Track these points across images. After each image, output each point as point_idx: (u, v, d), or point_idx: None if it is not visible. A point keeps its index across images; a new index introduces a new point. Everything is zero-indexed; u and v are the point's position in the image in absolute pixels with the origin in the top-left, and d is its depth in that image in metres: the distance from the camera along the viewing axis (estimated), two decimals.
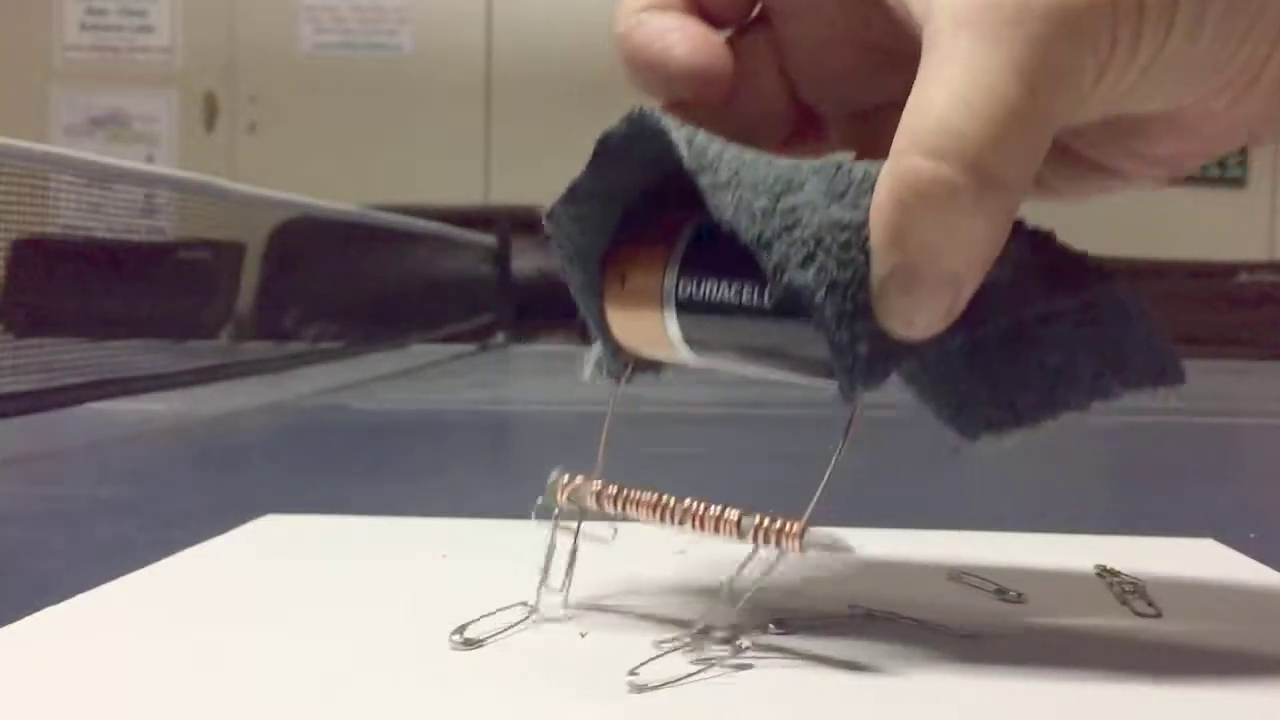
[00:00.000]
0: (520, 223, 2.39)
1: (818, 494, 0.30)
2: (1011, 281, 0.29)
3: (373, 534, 0.48)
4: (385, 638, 0.33)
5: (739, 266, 0.30)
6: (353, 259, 1.55)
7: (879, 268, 0.27)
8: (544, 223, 0.34)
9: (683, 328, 0.32)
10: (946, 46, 0.27)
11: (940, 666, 0.31)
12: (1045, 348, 0.31)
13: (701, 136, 0.30)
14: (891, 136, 0.27)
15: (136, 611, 0.36)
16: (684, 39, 0.33)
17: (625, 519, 0.35)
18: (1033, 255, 0.30)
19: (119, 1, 3.51)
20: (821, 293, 0.28)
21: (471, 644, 0.33)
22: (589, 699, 0.29)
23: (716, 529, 0.32)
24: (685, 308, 0.32)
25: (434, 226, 1.76)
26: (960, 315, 0.28)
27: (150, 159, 3.35)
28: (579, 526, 0.36)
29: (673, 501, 0.33)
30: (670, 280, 0.32)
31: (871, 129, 0.36)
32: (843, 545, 0.32)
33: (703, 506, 0.33)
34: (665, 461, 0.81)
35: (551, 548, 0.36)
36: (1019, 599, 0.38)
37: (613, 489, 0.35)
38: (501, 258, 1.96)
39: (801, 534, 0.31)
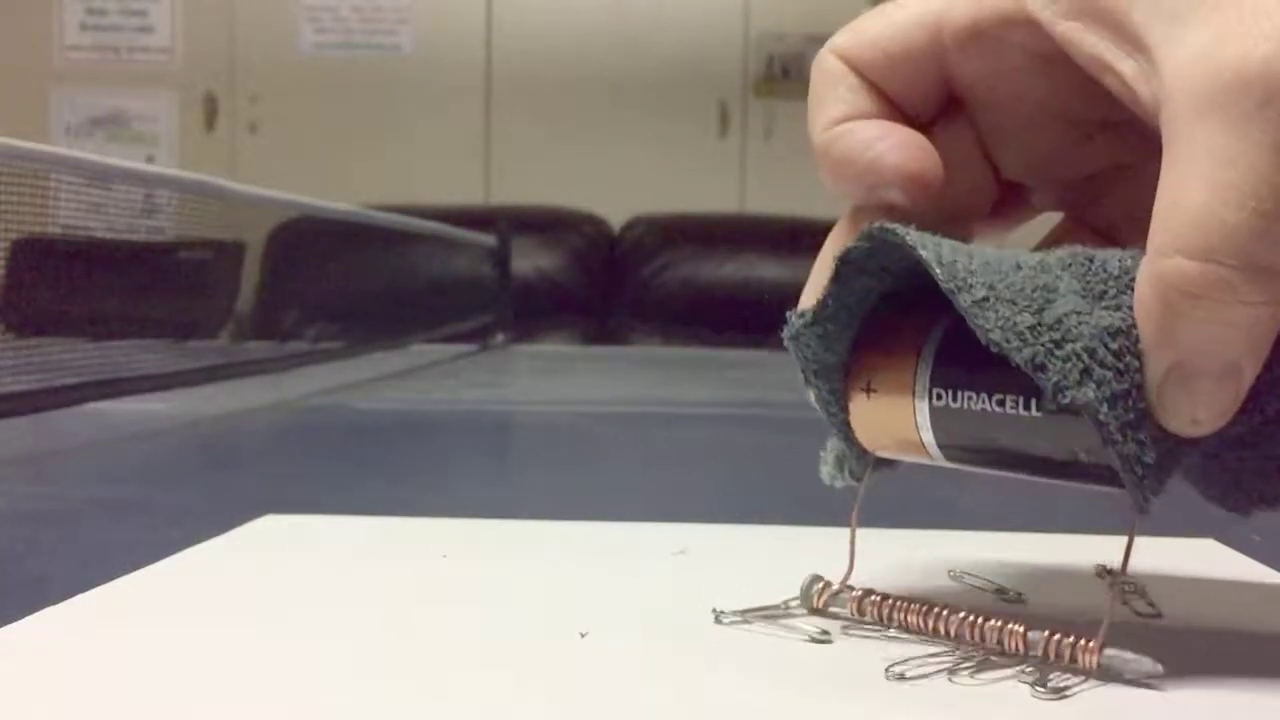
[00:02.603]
0: (520, 223, 2.39)
1: (1107, 621, 0.29)
2: None
3: (373, 534, 0.48)
4: (385, 638, 0.33)
5: (999, 380, 0.29)
6: (353, 259, 1.55)
7: (1154, 370, 0.27)
8: (786, 343, 0.34)
9: (937, 435, 0.32)
10: (1192, 137, 0.26)
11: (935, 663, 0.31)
12: None
13: (947, 250, 0.30)
14: (1104, 203, 0.27)
15: (136, 611, 0.36)
16: (893, 147, 0.32)
17: (887, 627, 0.33)
18: None
19: (119, 2, 3.50)
20: (1105, 408, 0.27)
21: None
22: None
23: (1000, 641, 0.31)
24: (940, 418, 0.31)
25: (434, 226, 1.76)
26: (1244, 403, 0.28)
27: (150, 159, 3.35)
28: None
29: (946, 612, 0.32)
30: (922, 389, 0.31)
31: (1081, 196, 0.35)
32: (1146, 667, 0.29)
33: (981, 618, 0.31)
34: (665, 461, 0.81)
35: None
36: (1019, 599, 0.37)
37: (876, 596, 0.34)
38: (501, 258, 1.96)
39: (1100, 650, 0.29)
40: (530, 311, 2.47)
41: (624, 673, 0.30)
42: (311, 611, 0.36)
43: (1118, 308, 0.28)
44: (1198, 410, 0.27)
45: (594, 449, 0.88)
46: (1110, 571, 0.41)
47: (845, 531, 0.37)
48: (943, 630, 0.32)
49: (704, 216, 3.24)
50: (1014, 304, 0.28)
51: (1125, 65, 0.29)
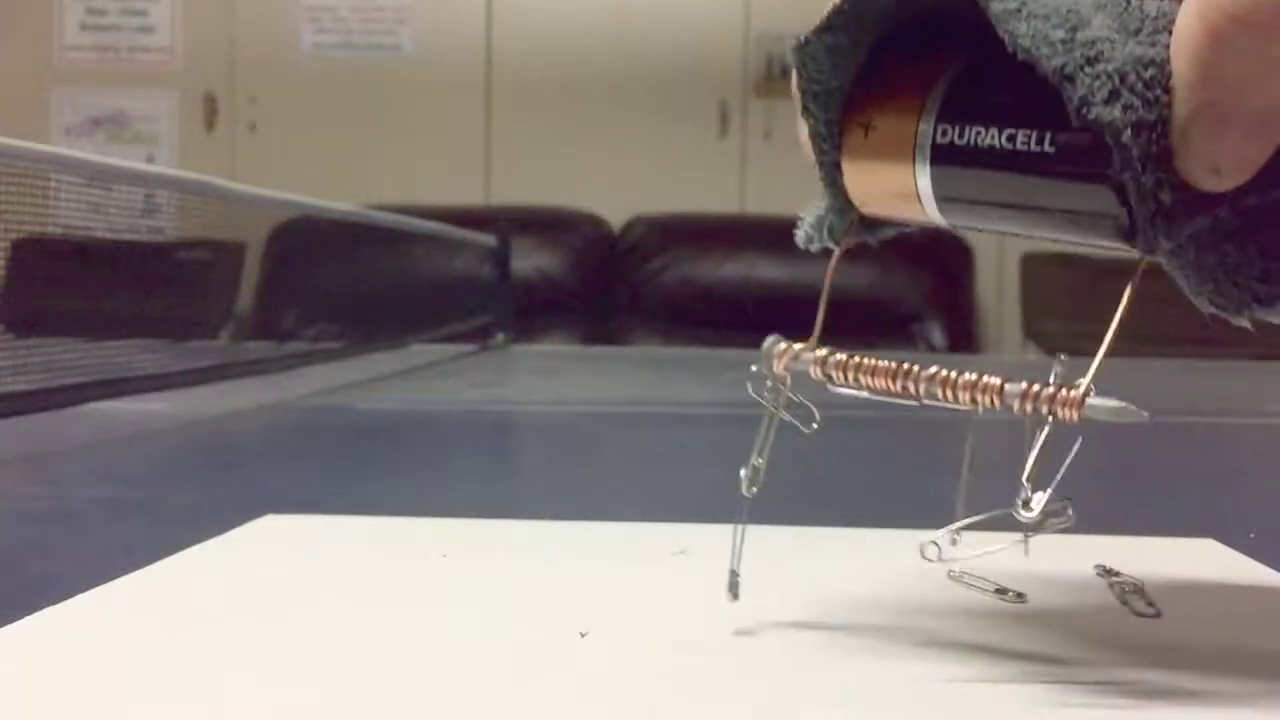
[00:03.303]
0: (520, 223, 2.39)
1: (1100, 355, 0.28)
2: None
3: (373, 534, 0.48)
4: (385, 638, 0.33)
5: (1013, 111, 0.28)
6: (353, 259, 1.55)
7: (1184, 107, 0.26)
8: (791, 54, 0.32)
9: (936, 181, 0.30)
10: None
11: (936, 663, 0.31)
12: None
13: None
14: None
15: (136, 611, 0.36)
16: None
17: (855, 388, 0.31)
18: None
19: (119, 2, 3.50)
20: (1129, 132, 0.26)
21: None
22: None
23: (972, 398, 0.29)
24: (942, 158, 0.30)
25: (434, 226, 1.76)
26: (1264, 168, 0.26)
27: (150, 159, 3.34)
28: (781, 398, 0.33)
29: (916, 368, 0.30)
30: (927, 126, 0.30)
31: None
32: (1131, 413, 0.27)
33: (954, 374, 0.29)
34: (665, 461, 0.81)
35: (770, 421, 0.34)
36: (1019, 599, 0.37)
37: (841, 355, 0.32)
38: (501, 258, 1.96)
39: (1082, 401, 0.27)
40: (530, 311, 2.47)
41: (624, 673, 0.30)
42: (311, 611, 0.36)
43: (1153, 44, 0.27)
44: (1220, 157, 0.26)
45: (594, 449, 0.88)
46: (1110, 571, 0.41)
47: (846, 531, 0.37)
48: (913, 390, 0.30)
49: (704, 216, 3.24)
50: (1047, 19, 0.27)
51: None
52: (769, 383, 0.33)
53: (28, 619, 0.34)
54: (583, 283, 3.13)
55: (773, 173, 3.33)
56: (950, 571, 0.40)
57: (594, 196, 3.25)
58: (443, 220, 1.83)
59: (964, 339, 2.95)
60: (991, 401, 0.28)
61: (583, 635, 0.33)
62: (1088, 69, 0.26)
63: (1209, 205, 0.27)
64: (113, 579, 0.39)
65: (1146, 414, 0.27)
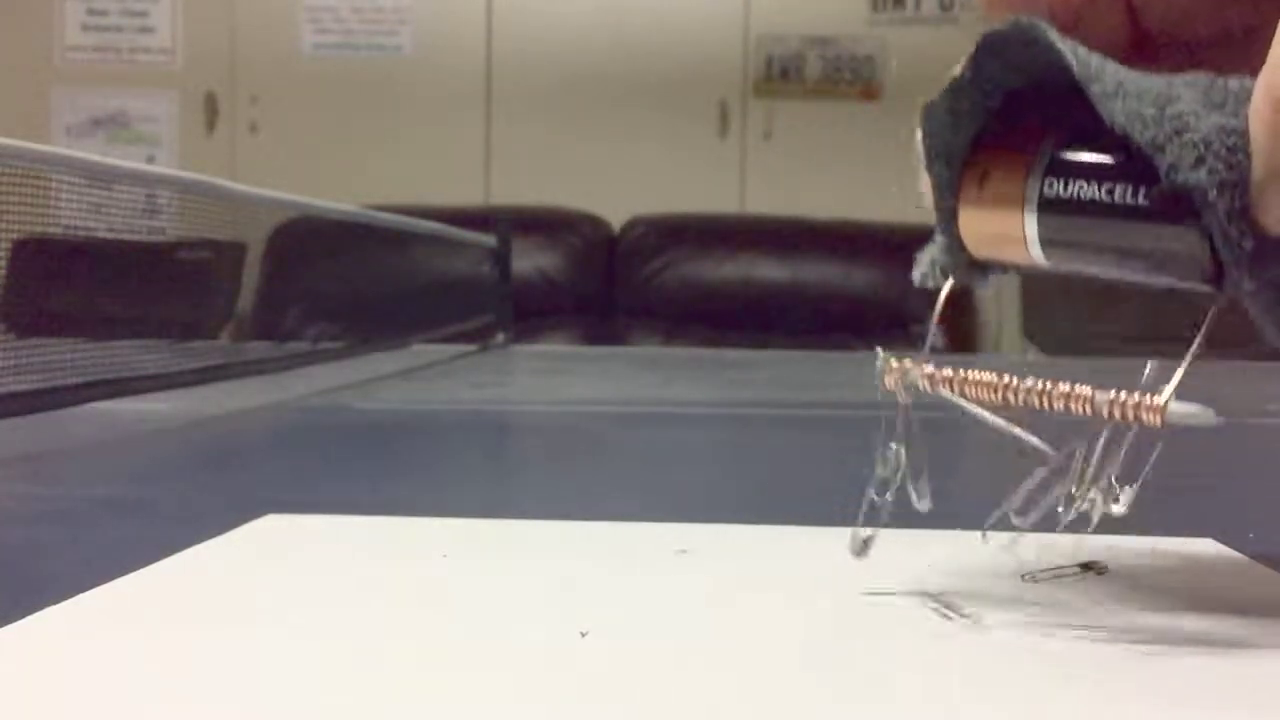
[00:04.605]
0: (520, 223, 2.39)
1: (1186, 362, 0.31)
2: None
3: (373, 534, 0.48)
4: (385, 638, 0.33)
5: (1111, 170, 0.32)
6: (353, 259, 1.55)
7: (1260, 168, 0.30)
8: (919, 117, 0.36)
9: (1042, 227, 0.34)
10: None
11: (942, 664, 0.31)
12: None
13: (1082, 50, 0.33)
14: (1229, 69, 0.31)
15: (136, 611, 0.36)
16: None
17: (960, 401, 0.35)
18: None
19: (120, 2, 3.51)
20: (1214, 192, 0.30)
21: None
22: None
23: (1067, 406, 0.32)
24: (1048, 208, 0.33)
25: (434, 226, 1.76)
26: None
27: (151, 159, 3.35)
28: (908, 412, 0.37)
29: (1015, 381, 0.34)
30: (1035, 180, 0.34)
31: (1210, 58, 0.37)
32: (1208, 417, 0.31)
33: (1049, 385, 0.33)
34: (665, 461, 0.81)
35: (902, 432, 0.37)
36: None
37: (947, 371, 0.35)
38: (501, 258, 1.96)
39: (1164, 407, 0.31)
40: (530, 311, 2.47)
41: (624, 673, 0.30)
42: (311, 611, 0.36)
43: (1234, 115, 0.30)
44: None
45: (594, 449, 0.88)
46: (1090, 564, 0.41)
47: (846, 532, 0.37)
48: (1013, 400, 0.33)
49: (704, 216, 3.24)
50: (1140, 98, 0.31)
51: None
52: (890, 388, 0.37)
53: (28, 619, 0.34)
54: (583, 283, 3.13)
55: (773, 173, 3.34)
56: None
57: (594, 196, 3.25)
58: (443, 220, 1.83)
59: (964, 339, 2.96)
60: (1083, 409, 0.32)
61: (583, 635, 0.33)
62: (1176, 139, 0.30)
63: None
64: (113, 579, 0.39)
65: (1221, 418, 0.31)
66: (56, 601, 0.36)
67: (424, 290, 1.78)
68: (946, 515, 0.39)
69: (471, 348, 1.78)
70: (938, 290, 0.39)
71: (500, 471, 0.81)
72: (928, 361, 0.36)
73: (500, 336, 1.89)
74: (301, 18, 3.48)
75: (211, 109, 3.50)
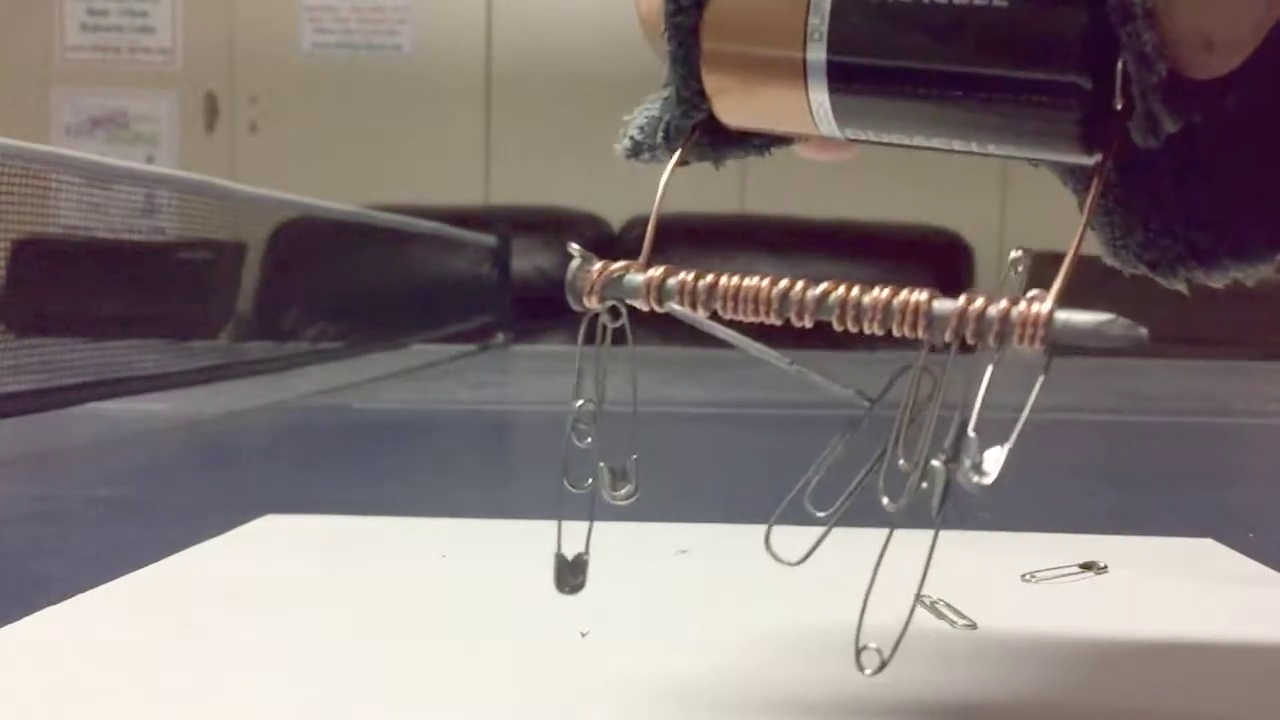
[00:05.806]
0: (520, 223, 2.39)
1: (1068, 261, 0.21)
2: None
3: (373, 534, 0.48)
4: (385, 637, 0.33)
5: None
6: (353, 259, 1.55)
7: None
8: None
9: (833, 46, 0.22)
10: None
11: (951, 665, 0.31)
12: None
13: None
14: None
15: (136, 611, 0.36)
16: None
17: (697, 320, 0.23)
18: None
19: (120, 2, 3.51)
20: None
21: None
22: None
23: (885, 321, 0.21)
24: (843, 13, 0.22)
25: (434, 226, 1.76)
26: (1241, 67, 0.21)
27: (151, 159, 3.35)
28: (608, 335, 0.25)
29: (800, 287, 0.22)
30: None
31: None
32: (1121, 326, 0.19)
33: (856, 290, 0.22)
34: (665, 461, 0.81)
35: (601, 360, 0.25)
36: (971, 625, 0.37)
37: (686, 275, 0.24)
38: (501, 258, 1.96)
39: (1048, 319, 0.19)
40: (530, 311, 2.47)
41: (624, 673, 0.30)
42: (311, 611, 0.36)
43: None
44: (1213, 29, 0.21)
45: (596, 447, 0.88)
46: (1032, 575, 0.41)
47: (846, 531, 0.37)
48: (797, 317, 0.22)
49: (704, 216, 3.24)
50: None
51: None
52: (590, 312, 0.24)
53: (28, 619, 0.34)
54: None
55: (773, 173, 3.33)
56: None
57: (594, 196, 3.24)
58: (443, 220, 1.83)
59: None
60: (914, 326, 0.21)
61: (583, 635, 0.33)
62: None
63: (1192, 106, 0.21)
64: (113, 579, 0.39)
65: (1144, 330, 0.20)
66: (56, 601, 0.36)
67: (424, 290, 1.78)
68: (947, 515, 0.39)
69: (471, 348, 1.78)
70: (653, 167, 0.23)
71: (499, 471, 0.81)
72: (656, 265, 0.24)
73: (500, 336, 1.90)
74: (301, 17, 3.48)
75: (211, 109, 3.50)
